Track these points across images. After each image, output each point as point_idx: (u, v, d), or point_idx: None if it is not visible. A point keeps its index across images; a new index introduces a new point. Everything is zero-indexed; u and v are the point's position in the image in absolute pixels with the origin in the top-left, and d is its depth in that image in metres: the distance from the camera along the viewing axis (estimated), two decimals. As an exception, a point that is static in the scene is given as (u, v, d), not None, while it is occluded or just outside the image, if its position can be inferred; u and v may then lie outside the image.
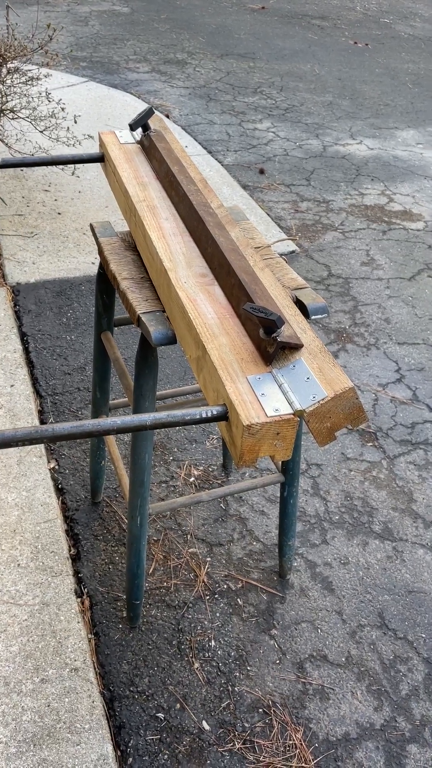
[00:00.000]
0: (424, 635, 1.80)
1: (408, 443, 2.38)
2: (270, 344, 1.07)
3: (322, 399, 1.01)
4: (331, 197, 3.91)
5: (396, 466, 2.28)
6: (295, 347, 1.09)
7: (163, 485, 2.12)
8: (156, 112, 4.59)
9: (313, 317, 1.33)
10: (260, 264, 1.33)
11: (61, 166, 3.73)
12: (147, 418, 0.98)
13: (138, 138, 1.70)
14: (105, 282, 1.62)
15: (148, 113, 1.64)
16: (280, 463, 1.73)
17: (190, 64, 5.68)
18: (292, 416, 1.00)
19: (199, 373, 1.16)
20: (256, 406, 1.01)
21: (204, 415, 1.00)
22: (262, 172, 4.09)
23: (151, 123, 1.72)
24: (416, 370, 2.72)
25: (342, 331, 2.89)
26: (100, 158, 1.69)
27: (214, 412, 1.01)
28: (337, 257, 3.38)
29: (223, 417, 1.02)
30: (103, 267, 1.55)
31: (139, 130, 1.72)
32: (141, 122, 1.64)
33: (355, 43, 6.76)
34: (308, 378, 1.05)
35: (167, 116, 4.62)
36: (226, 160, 4.16)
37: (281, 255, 3.34)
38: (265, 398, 1.02)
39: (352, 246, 3.48)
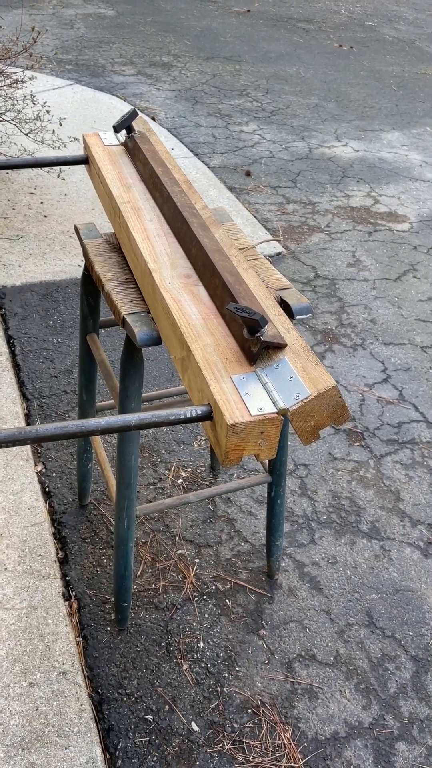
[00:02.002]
0: (411, 633, 1.81)
1: (395, 443, 2.39)
2: (254, 344, 1.08)
3: (306, 398, 1.02)
4: (317, 199, 3.93)
5: (383, 466, 2.29)
6: (278, 347, 1.10)
7: (151, 487, 2.12)
8: (140, 114, 4.58)
9: (297, 317, 1.34)
10: (244, 265, 1.34)
11: (46, 169, 3.73)
12: (132, 418, 0.98)
13: (122, 140, 1.70)
14: (90, 284, 1.62)
15: (132, 115, 1.65)
16: (267, 463, 1.73)
17: (176, 66, 5.69)
18: (276, 415, 1.00)
19: (184, 374, 1.16)
20: (240, 406, 1.01)
21: (188, 415, 1.00)
22: (248, 174, 4.10)
23: (135, 125, 1.72)
24: (402, 370, 2.73)
25: (329, 332, 2.90)
26: (85, 160, 1.69)
27: (199, 412, 1.01)
28: (324, 258, 3.39)
29: (208, 417, 1.02)
30: (88, 269, 1.55)
31: (123, 131, 1.72)
32: (125, 124, 1.64)
33: (340, 46, 6.80)
34: (292, 377, 1.05)
35: (153, 119, 4.62)
36: (212, 163, 4.17)
37: (267, 256, 3.35)
38: (249, 397, 1.02)
39: (339, 247, 3.50)
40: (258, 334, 1.07)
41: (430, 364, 2.78)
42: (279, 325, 1.18)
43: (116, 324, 1.62)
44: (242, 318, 1.05)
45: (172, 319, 1.18)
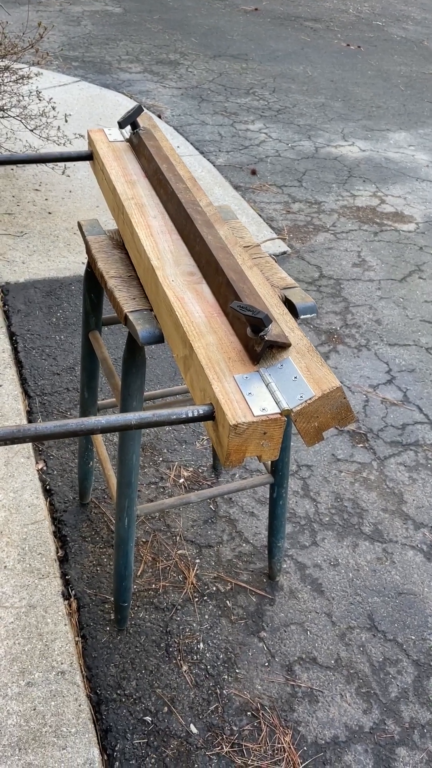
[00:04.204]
0: (413, 637, 1.79)
1: (398, 444, 2.37)
2: (257, 343, 1.06)
3: (310, 398, 1.00)
4: (322, 198, 3.91)
5: (386, 468, 2.27)
6: (282, 346, 1.08)
7: (153, 486, 2.10)
8: (146, 111, 4.55)
9: (302, 317, 1.32)
10: (249, 263, 1.32)
11: (51, 166, 3.71)
12: (132, 417, 0.96)
13: (127, 136, 1.69)
14: (93, 280, 1.61)
15: (137, 111, 1.63)
16: (270, 464, 1.72)
17: (182, 64, 5.67)
18: (279, 416, 0.98)
19: (186, 372, 1.15)
20: (242, 406, 0.99)
21: (190, 415, 0.99)
22: (254, 172, 4.08)
23: (140, 121, 1.71)
24: (407, 371, 2.71)
25: (333, 332, 2.88)
26: (89, 156, 1.67)
27: (201, 412, 1.00)
28: (329, 258, 3.37)
29: (210, 416, 1.00)
30: (91, 265, 1.54)
31: (128, 128, 1.71)
32: (130, 120, 1.62)
33: (348, 45, 6.77)
34: (296, 377, 1.04)
35: (159, 116, 4.61)
36: (218, 161, 4.15)
37: (272, 256, 3.33)
38: (252, 397, 1.01)
39: (344, 247, 3.48)
40: (262, 333, 1.05)
41: (434, 365, 2.76)
42: (283, 324, 1.16)
43: (119, 321, 1.61)
44: (246, 316, 1.04)
45: (174, 316, 1.16)
